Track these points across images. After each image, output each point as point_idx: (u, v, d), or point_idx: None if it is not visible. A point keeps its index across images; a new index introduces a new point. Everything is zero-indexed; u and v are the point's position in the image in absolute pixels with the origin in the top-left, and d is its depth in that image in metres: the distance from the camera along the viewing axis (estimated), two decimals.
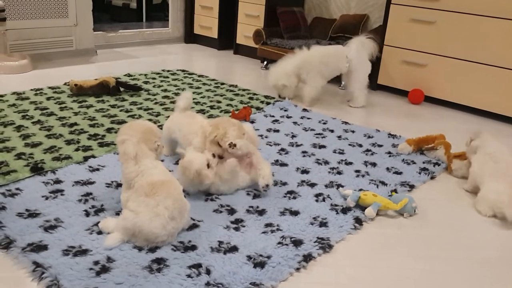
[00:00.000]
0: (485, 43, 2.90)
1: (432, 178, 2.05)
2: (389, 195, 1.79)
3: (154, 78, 3.31)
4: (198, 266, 1.31)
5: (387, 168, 2.08)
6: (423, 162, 2.18)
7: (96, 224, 1.46)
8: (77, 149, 2.01)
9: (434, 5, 3.07)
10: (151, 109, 2.64)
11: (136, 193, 1.39)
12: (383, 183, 1.93)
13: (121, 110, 2.57)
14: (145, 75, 3.38)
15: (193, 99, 2.88)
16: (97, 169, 1.85)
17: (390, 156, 2.23)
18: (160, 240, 1.37)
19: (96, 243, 1.38)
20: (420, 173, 2.06)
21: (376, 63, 3.40)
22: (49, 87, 2.88)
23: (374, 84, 3.48)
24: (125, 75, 3.33)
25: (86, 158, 1.93)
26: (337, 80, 3.60)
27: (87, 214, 1.53)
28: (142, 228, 1.34)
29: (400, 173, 2.04)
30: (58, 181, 1.73)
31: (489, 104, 2.99)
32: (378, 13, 3.81)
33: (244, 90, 3.19)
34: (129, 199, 1.40)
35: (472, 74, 3.00)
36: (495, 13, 2.83)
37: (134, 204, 1.37)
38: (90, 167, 1.87)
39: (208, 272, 1.29)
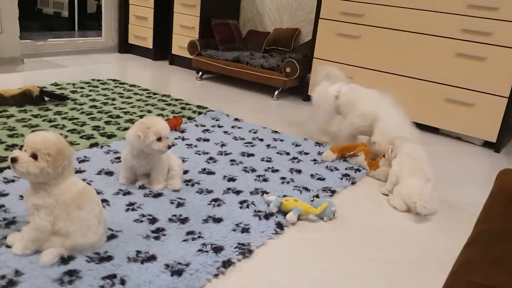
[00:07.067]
0: (404, 56, 3.09)
1: (353, 183, 2.14)
2: (311, 200, 1.85)
3: (82, 88, 3.21)
4: (112, 276, 1.28)
5: (311, 175, 2.15)
6: (346, 169, 2.27)
7: (5, 238, 1.39)
8: None
9: (358, 21, 3.23)
10: (77, 118, 2.56)
11: (63, 208, 1.30)
12: (306, 189, 1.99)
13: (44, 120, 2.47)
14: (73, 84, 3.28)
15: (122, 109, 2.84)
16: (12, 181, 1.76)
17: (315, 163, 2.30)
18: (96, 246, 1.39)
19: (4, 257, 1.31)
20: (342, 178, 2.14)
21: (305, 75, 3.53)
22: None
23: (305, 95, 3.60)
24: (52, 84, 3.21)
25: (1, 170, 1.84)
26: (270, 90, 3.68)
27: None
28: (76, 245, 1.34)
29: (323, 179, 2.12)
30: None
31: (409, 114, 3.16)
32: (309, 27, 3.94)
33: (176, 100, 3.18)
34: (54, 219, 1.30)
35: (393, 85, 3.17)
36: (413, 29, 3.02)
37: (67, 223, 1.30)
38: (5, 178, 1.77)
39: (122, 282, 1.26)
